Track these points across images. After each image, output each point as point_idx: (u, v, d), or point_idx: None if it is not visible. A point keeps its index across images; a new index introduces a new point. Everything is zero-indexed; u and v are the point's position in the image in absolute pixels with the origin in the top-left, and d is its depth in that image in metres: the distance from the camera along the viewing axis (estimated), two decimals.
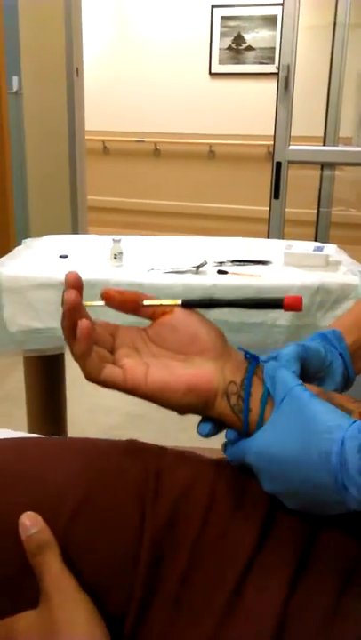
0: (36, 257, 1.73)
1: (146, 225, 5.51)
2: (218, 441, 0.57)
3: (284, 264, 1.68)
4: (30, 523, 0.47)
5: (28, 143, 3.41)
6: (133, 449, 0.58)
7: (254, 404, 0.51)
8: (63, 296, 0.52)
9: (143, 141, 5.46)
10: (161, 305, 0.56)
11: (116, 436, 0.64)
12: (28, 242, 1.92)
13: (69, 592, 0.45)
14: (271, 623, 0.47)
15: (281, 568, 0.51)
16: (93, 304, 0.55)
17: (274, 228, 3.08)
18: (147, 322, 0.59)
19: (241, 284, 1.54)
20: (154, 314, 0.57)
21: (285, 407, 0.49)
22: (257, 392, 0.52)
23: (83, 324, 0.51)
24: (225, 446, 0.54)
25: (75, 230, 3.45)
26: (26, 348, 1.60)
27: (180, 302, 0.56)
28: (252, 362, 0.54)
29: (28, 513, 0.47)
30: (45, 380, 1.80)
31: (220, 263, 1.67)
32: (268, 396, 0.51)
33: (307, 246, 1.78)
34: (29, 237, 3.48)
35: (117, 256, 1.63)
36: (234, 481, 0.57)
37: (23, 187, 3.46)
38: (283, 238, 3.10)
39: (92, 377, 0.52)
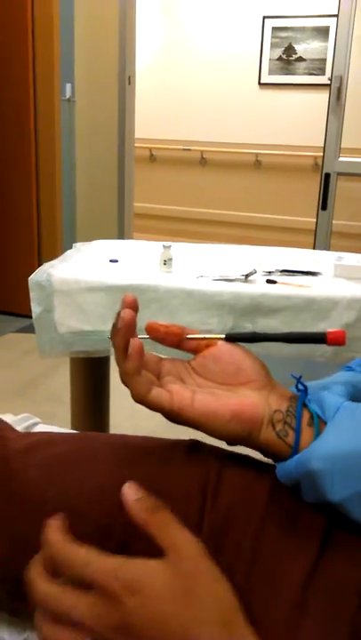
0: (86, 261, 1.75)
1: (190, 233, 5.54)
2: None
3: (335, 276, 1.66)
4: (134, 490, 0.46)
5: (78, 149, 3.46)
6: (196, 446, 0.60)
7: (303, 431, 0.52)
8: (118, 315, 0.53)
9: (190, 150, 5.49)
10: (205, 338, 0.57)
11: None
12: (78, 245, 1.94)
13: (207, 561, 0.43)
14: None
15: (340, 588, 0.50)
16: (138, 337, 0.54)
17: (320, 239, 3.06)
18: (187, 356, 0.60)
19: (290, 294, 1.53)
20: (197, 347, 0.58)
21: (341, 415, 0.51)
22: (304, 418, 0.53)
23: (136, 341, 0.52)
24: (277, 471, 0.54)
25: (120, 236, 3.49)
26: (74, 349, 1.61)
27: (223, 336, 0.57)
28: (303, 390, 0.55)
29: (129, 483, 0.46)
30: (91, 381, 1.81)
31: (269, 272, 1.66)
32: (318, 420, 0.52)
33: (358, 258, 1.75)
34: (76, 242, 3.54)
35: (167, 262, 1.64)
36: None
37: (72, 191, 3.51)
38: (330, 250, 3.08)
39: (140, 397, 0.53)
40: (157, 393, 0.53)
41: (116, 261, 1.73)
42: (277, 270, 1.68)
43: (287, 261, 1.80)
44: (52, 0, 2.99)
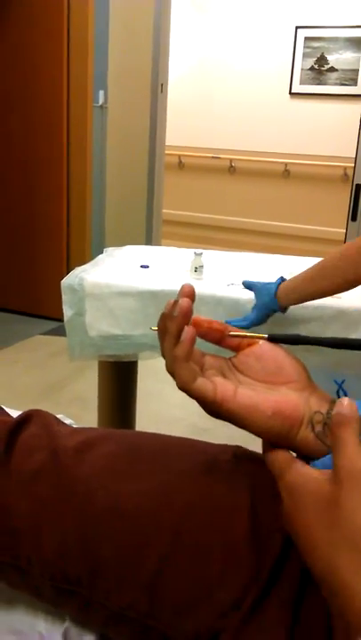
0: (117, 265, 1.76)
1: (217, 241, 5.55)
2: None
3: None
4: (347, 404, 0.45)
5: (109, 155, 3.50)
6: (241, 452, 0.61)
7: None
8: (175, 303, 0.54)
9: (219, 158, 5.51)
10: (247, 336, 0.58)
11: None
12: (109, 250, 1.96)
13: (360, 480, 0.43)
14: None
15: None
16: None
17: None
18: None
19: (320, 304, 1.52)
20: (239, 345, 0.58)
21: None
22: None
23: (190, 328, 0.53)
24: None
25: (148, 242, 3.51)
26: (103, 353, 1.62)
27: (266, 336, 0.58)
28: (343, 393, 0.56)
29: (347, 399, 0.47)
30: (118, 384, 1.82)
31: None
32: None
33: None
34: (105, 247, 3.57)
35: (198, 269, 1.64)
36: None
37: (102, 197, 3.55)
38: None
39: (185, 384, 0.53)
40: (202, 382, 0.53)
41: (147, 267, 1.74)
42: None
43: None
44: (88, 7, 3.03)
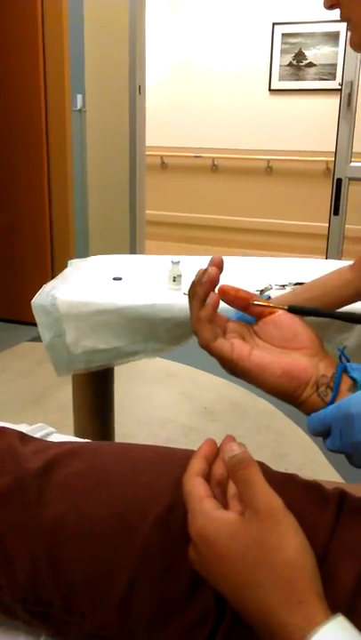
0: (88, 280, 1.68)
1: (202, 239, 5.55)
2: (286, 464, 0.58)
3: None
4: (237, 447, 0.50)
5: (89, 158, 3.49)
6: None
7: (342, 393, 0.58)
8: (205, 271, 0.59)
9: (201, 157, 5.51)
10: (269, 306, 0.63)
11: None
12: (74, 263, 1.87)
13: (280, 515, 0.46)
14: None
15: None
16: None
17: (333, 244, 3.05)
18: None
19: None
20: (261, 313, 0.63)
21: None
22: (345, 384, 0.58)
23: (215, 294, 0.59)
24: (309, 419, 0.59)
25: (132, 243, 3.50)
26: (93, 365, 1.56)
27: (286, 307, 0.63)
28: (345, 358, 0.61)
29: (236, 442, 0.51)
30: (94, 392, 1.77)
31: (283, 286, 1.62)
32: (354, 386, 0.57)
33: None
34: (88, 250, 3.56)
35: (177, 278, 1.57)
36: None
37: (84, 200, 3.54)
38: (342, 255, 3.07)
39: (206, 342, 0.58)
40: (221, 342, 0.58)
41: (120, 279, 1.67)
42: (291, 284, 1.64)
43: (298, 273, 1.77)
44: (62, 12, 3.02)
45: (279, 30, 5.10)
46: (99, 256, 1.97)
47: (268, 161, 5.36)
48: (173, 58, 5.45)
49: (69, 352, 1.52)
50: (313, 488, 0.63)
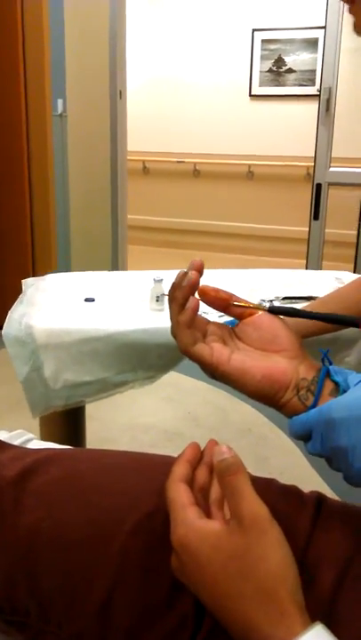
0: (58, 302, 1.49)
1: (184, 244, 5.56)
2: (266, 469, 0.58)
3: None
4: (224, 450, 0.49)
5: (71, 163, 3.48)
6: None
7: (323, 397, 0.58)
8: (185, 275, 0.59)
9: (183, 162, 5.52)
10: (249, 307, 0.63)
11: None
12: (29, 282, 1.69)
13: (266, 525, 0.45)
14: None
15: None
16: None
17: (313, 248, 3.07)
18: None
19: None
20: (242, 314, 0.63)
21: None
22: (327, 388, 0.58)
23: (195, 298, 0.58)
24: (291, 422, 0.59)
25: (114, 248, 3.50)
26: (74, 401, 1.40)
27: (266, 307, 0.63)
28: (328, 361, 0.61)
29: (223, 445, 0.50)
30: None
31: (270, 301, 1.53)
32: (336, 390, 0.57)
33: (355, 278, 1.68)
34: (70, 256, 3.55)
35: (160, 298, 1.45)
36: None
37: (65, 205, 3.53)
38: (322, 259, 3.09)
39: (186, 348, 0.59)
40: (200, 347, 0.58)
41: (92, 300, 1.51)
42: (278, 298, 1.57)
43: (283, 286, 1.70)
44: (42, 17, 3.01)
45: (259, 37, 5.14)
46: (57, 274, 1.79)
47: (250, 166, 5.39)
48: (155, 63, 5.47)
49: (47, 387, 1.35)
50: (291, 493, 0.63)
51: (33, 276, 3.32)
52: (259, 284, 1.70)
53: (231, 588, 0.44)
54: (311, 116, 3.02)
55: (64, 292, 1.59)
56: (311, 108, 4.98)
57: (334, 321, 0.68)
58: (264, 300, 1.54)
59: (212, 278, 1.71)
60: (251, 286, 1.66)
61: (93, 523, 0.56)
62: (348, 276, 1.72)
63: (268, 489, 0.62)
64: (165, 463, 0.61)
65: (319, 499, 0.63)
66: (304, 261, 3.15)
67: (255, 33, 5.13)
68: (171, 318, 0.60)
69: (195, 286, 0.58)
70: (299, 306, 1.47)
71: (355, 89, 3.14)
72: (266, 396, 0.58)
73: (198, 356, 0.58)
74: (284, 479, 0.71)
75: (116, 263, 3.51)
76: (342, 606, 0.52)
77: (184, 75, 5.38)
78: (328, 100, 2.83)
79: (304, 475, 2.06)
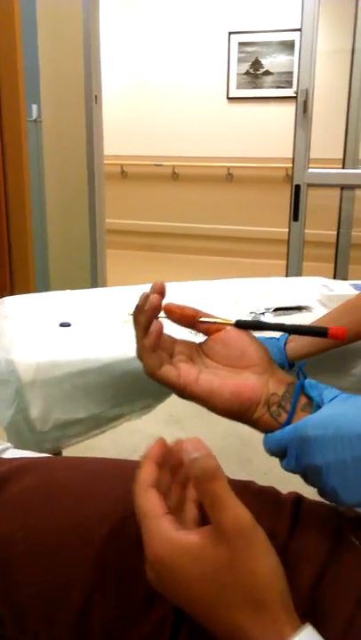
0: (32, 330, 1.31)
1: (163, 247, 5.55)
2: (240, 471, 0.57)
3: (329, 308, 1.44)
4: (192, 447, 0.44)
5: (47, 169, 3.45)
6: None
7: (296, 413, 0.57)
8: (146, 297, 0.57)
9: (162, 165, 5.51)
10: (216, 322, 0.62)
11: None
12: None
13: (250, 534, 0.43)
14: None
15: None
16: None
17: (293, 249, 3.07)
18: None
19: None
20: (209, 330, 0.62)
21: (338, 400, 0.56)
22: (299, 403, 0.58)
23: (158, 322, 0.58)
24: (266, 439, 0.59)
25: (93, 252, 3.47)
26: (66, 441, 1.25)
27: (233, 322, 0.62)
28: (303, 376, 0.61)
29: (192, 439, 0.45)
30: None
31: (262, 314, 1.43)
32: (309, 405, 0.57)
33: (344, 285, 1.60)
34: (48, 262, 3.52)
35: None
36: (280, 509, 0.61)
37: (42, 211, 3.49)
38: (303, 260, 3.09)
39: (152, 371, 0.58)
40: (167, 369, 0.58)
41: (68, 325, 1.36)
42: (268, 310, 1.47)
43: (261, 295, 1.62)
44: (15, 22, 2.98)
45: (235, 39, 5.15)
46: (16, 297, 1.58)
47: (229, 168, 5.40)
48: (131, 67, 5.45)
49: (34, 430, 1.19)
50: (269, 494, 0.63)
51: (10, 285, 3.29)
52: (241, 294, 1.64)
53: (219, 599, 0.42)
54: (289, 118, 3.02)
55: (32, 318, 1.41)
56: (289, 110, 5.00)
57: (303, 332, 0.68)
58: (253, 313, 1.47)
59: (194, 290, 1.66)
60: (234, 298, 1.60)
61: (68, 530, 0.56)
62: (336, 285, 1.63)
63: (245, 492, 0.62)
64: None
65: (297, 499, 0.62)
66: (285, 262, 3.15)
67: (232, 36, 5.14)
68: (137, 342, 0.59)
69: (157, 309, 0.58)
70: (292, 317, 1.43)
71: (332, 90, 3.15)
72: (236, 413, 0.58)
73: (165, 378, 0.58)
74: (268, 481, 0.70)
75: (95, 268, 3.48)
76: (321, 605, 0.52)
77: (161, 78, 5.37)
78: (305, 102, 2.83)
79: (287, 477, 2.04)
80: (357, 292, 1.46)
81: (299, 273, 3.07)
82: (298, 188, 2.93)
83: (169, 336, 0.62)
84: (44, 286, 3.55)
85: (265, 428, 0.58)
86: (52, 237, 3.56)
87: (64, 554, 0.55)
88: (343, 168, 3.01)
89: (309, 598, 0.52)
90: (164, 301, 0.58)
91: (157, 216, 5.66)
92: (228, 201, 5.47)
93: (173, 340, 0.62)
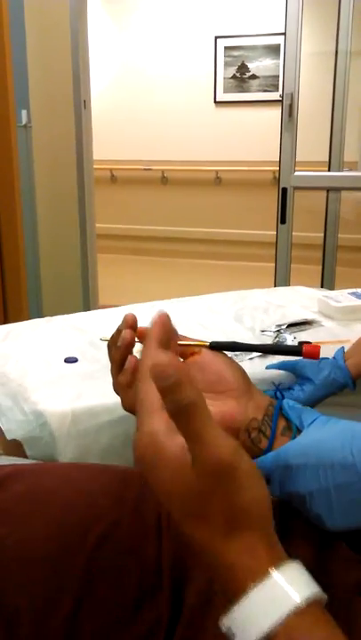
0: (34, 367, 1.14)
1: (153, 251, 5.57)
2: None
3: (338, 320, 1.40)
4: (168, 370, 0.39)
5: (37, 174, 3.46)
6: None
7: (276, 438, 0.57)
8: (119, 332, 0.57)
9: (151, 169, 5.54)
10: (190, 345, 0.61)
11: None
12: None
13: (232, 471, 0.40)
14: None
15: None
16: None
17: (281, 252, 3.10)
18: None
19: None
20: (184, 353, 0.62)
21: (317, 424, 0.56)
22: (279, 427, 0.58)
23: (132, 358, 0.57)
24: None
25: (83, 257, 3.49)
26: None
27: (207, 344, 0.61)
28: (280, 399, 0.60)
29: (163, 355, 0.42)
30: None
31: (278, 331, 1.32)
32: (288, 428, 0.57)
33: (343, 295, 1.54)
34: (39, 268, 3.53)
35: None
36: None
37: (32, 216, 3.51)
38: (291, 262, 3.12)
39: (129, 406, 0.58)
40: None
41: (75, 360, 1.20)
42: (280, 327, 1.38)
43: (259, 309, 1.54)
44: (3, 28, 3.00)
45: (222, 43, 5.19)
46: (3, 327, 1.39)
47: (217, 172, 5.43)
48: (119, 71, 5.48)
49: None
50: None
51: (2, 295, 3.29)
52: (240, 310, 1.53)
53: (192, 515, 0.40)
54: (276, 121, 3.05)
55: (32, 353, 1.23)
56: (276, 113, 5.03)
57: (278, 352, 0.68)
58: (266, 332, 1.36)
59: (191, 307, 1.59)
60: (234, 314, 1.50)
61: (57, 537, 0.56)
62: (337, 295, 1.56)
63: None
64: (128, 472, 0.61)
65: (278, 502, 0.63)
66: (273, 264, 3.18)
67: (218, 40, 5.18)
68: (112, 377, 0.58)
69: (130, 345, 0.57)
70: (308, 332, 1.34)
71: (317, 92, 3.19)
72: None
73: None
74: None
75: (86, 272, 3.50)
76: None
77: (148, 82, 5.40)
78: (290, 106, 2.86)
79: None
80: None
81: (287, 275, 3.10)
82: (285, 190, 2.96)
83: None
84: (36, 290, 3.56)
85: (249, 454, 0.57)
86: (43, 242, 3.57)
87: (53, 562, 0.55)
88: (329, 170, 3.04)
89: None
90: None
91: (147, 220, 5.68)
92: (217, 204, 5.51)
93: None
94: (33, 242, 3.53)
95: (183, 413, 0.39)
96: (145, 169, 5.54)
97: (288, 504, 0.55)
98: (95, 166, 3.56)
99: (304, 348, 0.61)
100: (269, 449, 0.56)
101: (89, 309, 3.55)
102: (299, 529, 0.58)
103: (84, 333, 1.35)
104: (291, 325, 1.40)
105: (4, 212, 3.25)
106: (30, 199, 3.46)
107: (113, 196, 5.62)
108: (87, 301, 3.54)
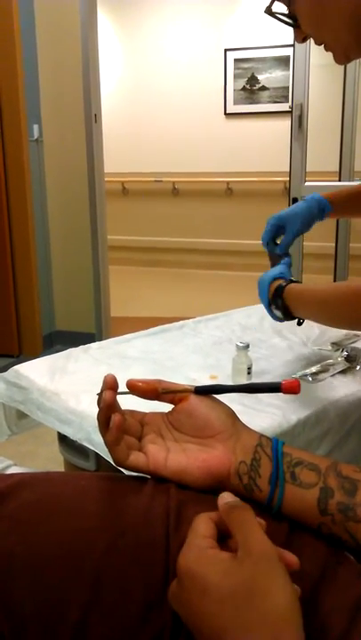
0: (80, 410, 1.06)
1: (165, 262, 5.59)
2: None
3: None
4: (228, 495, 0.51)
5: (48, 187, 3.50)
6: (157, 485, 0.61)
7: (263, 484, 0.58)
8: (101, 394, 0.60)
9: (162, 181, 5.57)
10: (176, 391, 0.63)
11: None
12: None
13: (273, 560, 0.46)
14: None
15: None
16: (121, 393, 0.61)
17: (293, 261, 3.09)
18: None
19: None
20: (172, 399, 0.64)
21: None
22: (265, 472, 0.58)
23: (116, 417, 0.59)
24: None
25: (95, 269, 3.50)
26: None
27: (192, 389, 0.63)
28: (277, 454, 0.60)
29: (227, 493, 0.52)
30: None
31: (315, 376, 1.18)
32: (277, 477, 0.57)
33: None
34: (52, 276, 3.55)
35: (250, 370, 1.15)
36: None
37: (45, 229, 3.54)
38: (302, 272, 3.12)
39: (120, 462, 0.60)
40: (135, 458, 0.60)
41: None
42: (335, 344, 1.34)
43: (265, 332, 1.49)
44: (15, 42, 3.04)
45: (231, 56, 5.23)
46: (23, 367, 1.26)
47: (228, 183, 5.45)
48: (129, 85, 5.53)
49: None
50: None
51: (16, 316, 3.30)
52: (275, 323, 1.34)
53: (236, 619, 0.43)
54: (286, 132, 3.07)
55: (69, 392, 1.12)
56: (286, 124, 5.04)
57: (257, 390, 0.68)
58: (321, 349, 1.33)
59: (221, 325, 1.57)
60: (271, 327, 1.49)
61: (66, 545, 0.56)
62: None
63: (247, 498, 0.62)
64: (136, 482, 0.61)
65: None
66: None
67: (228, 52, 5.22)
68: (101, 436, 0.60)
69: (112, 406, 0.59)
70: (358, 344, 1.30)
71: (327, 104, 3.19)
72: (211, 487, 0.59)
73: (134, 467, 0.60)
74: None
75: (98, 284, 3.51)
76: (316, 619, 0.52)
77: (159, 96, 5.45)
78: (300, 116, 2.87)
79: None
80: None
81: None
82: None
83: (136, 414, 0.64)
84: (48, 302, 3.58)
85: (245, 499, 0.56)
86: (55, 254, 3.60)
87: (62, 570, 0.55)
88: (340, 180, 3.04)
89: (304, 613, 0.53)
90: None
91: (159, 232, 5.71)
92: (228, 215, 5.52)
93: (142, 415, 0.64)
94: (45, 254, 3.56)
95: (239, 508, 0.49)
96: (156, 181, 5.57)
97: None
98: (106, 179, 3.59)
99: (283, 383, 0.62)
100: (270, 502, 0.57)
101: (100, 321, 3.56)
102: (307, 542, 0.57)
103: (99, 366, 1.27)
104: (335, 344, 1.37)
105: (17, 224, 3.28)
106: (42, 212, 3.49)
107: (124, 209, 5.66)
108: (99, 313, 3.55)
